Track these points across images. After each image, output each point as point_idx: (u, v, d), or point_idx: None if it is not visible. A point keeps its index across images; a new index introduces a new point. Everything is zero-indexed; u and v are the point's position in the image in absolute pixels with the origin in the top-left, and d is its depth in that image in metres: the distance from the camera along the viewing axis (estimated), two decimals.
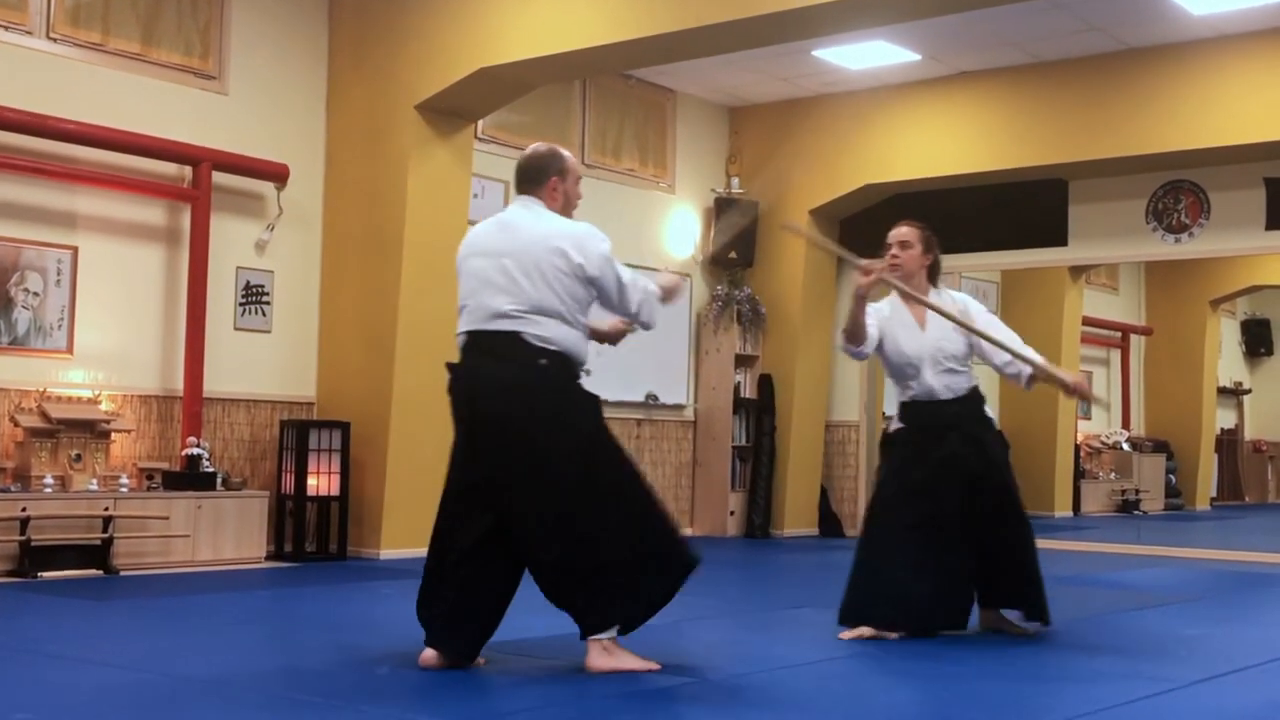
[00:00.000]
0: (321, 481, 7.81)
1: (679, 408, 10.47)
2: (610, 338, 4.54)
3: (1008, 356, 5.06)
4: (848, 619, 4.99)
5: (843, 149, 10.27)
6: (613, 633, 4.12)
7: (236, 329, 7.95)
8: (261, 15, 8.09)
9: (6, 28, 7.04)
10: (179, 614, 5.59)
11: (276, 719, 3.55)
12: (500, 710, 3.68)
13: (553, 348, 4.11)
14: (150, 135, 7.45)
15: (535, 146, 4.41)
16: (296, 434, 7.84)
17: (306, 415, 8.20)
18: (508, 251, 4.16)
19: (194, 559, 7.22)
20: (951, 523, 4.94)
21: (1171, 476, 15.27)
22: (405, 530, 7.95)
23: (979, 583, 5.08)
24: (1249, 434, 17.42)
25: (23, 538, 6.52)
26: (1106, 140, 9.14)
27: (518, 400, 4.07)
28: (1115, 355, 15.57)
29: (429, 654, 4.19)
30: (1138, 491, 14.53)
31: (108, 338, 7.39)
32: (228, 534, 7.38)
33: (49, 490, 6.78)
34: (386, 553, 7.90)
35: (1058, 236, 9.96)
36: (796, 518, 10.60)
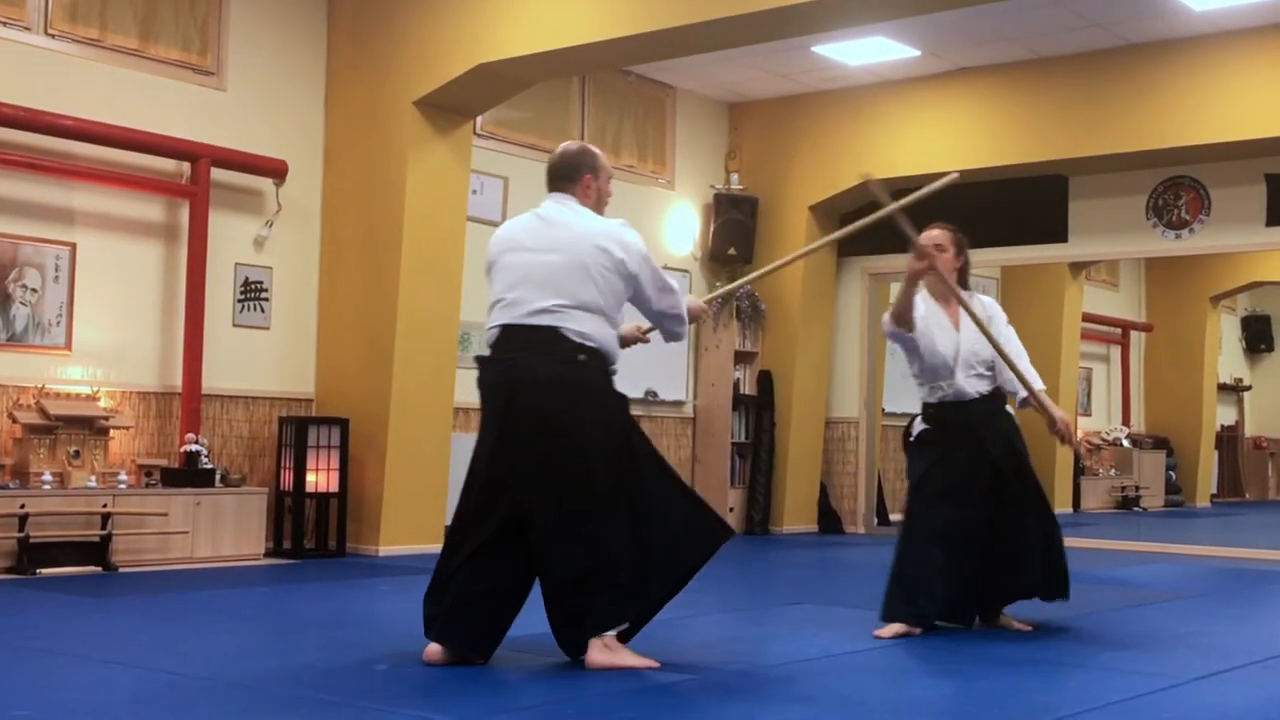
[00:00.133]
0: (320, 478, 7.81)
1: (678, 404, 10.47)
2: (623, 342, 4.54)
3: (1011, 374, 5.11)
4: (885, 616, 5.04)
5: (842, 145, 10.26)
6: (614, 630, 4.12)
7: (235, 325, 7.94)
8: (260, 11, 8.08)
9: (4, 24, 7.03)
10: (178, 611, 5.58)
11: (276, 716, 3.54)
12: (500, 707, 3.67)
13: (591, 344, 4.15)
14: (148, 131, 7.44)
15: (567, 144, 4.49)
16: (295, 430, 7.83)
17: (305, 412, 8.19)
18: (549, 247, 4.20)
19: (193, 556, 7.21)
20: (977, 525, 5.03)
21: (1172, 473, 15.27)
22: (404, 527, 7.96)
23: (994, 581, 5.12)
24: (1249, 430, 17.42)
25: (21, 535, 6.51)
26: (1107, 136, 9.13)
27: (559, 395, 4.10)
28: (1115, 352, 15.57)
29: (434, 649, 4.18)
30: (1138, 488, 14.54)
31: (106, 334, 7.38)
32: (226, 531, 7.37)
33: (48, 487, 6.77)
34: (385, 549, 7.90)
35: (1058, 233, 9.95)
36: (796, 514, 10.60)
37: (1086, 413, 14.66)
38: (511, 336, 4.19)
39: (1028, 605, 5.29)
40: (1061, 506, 13.41)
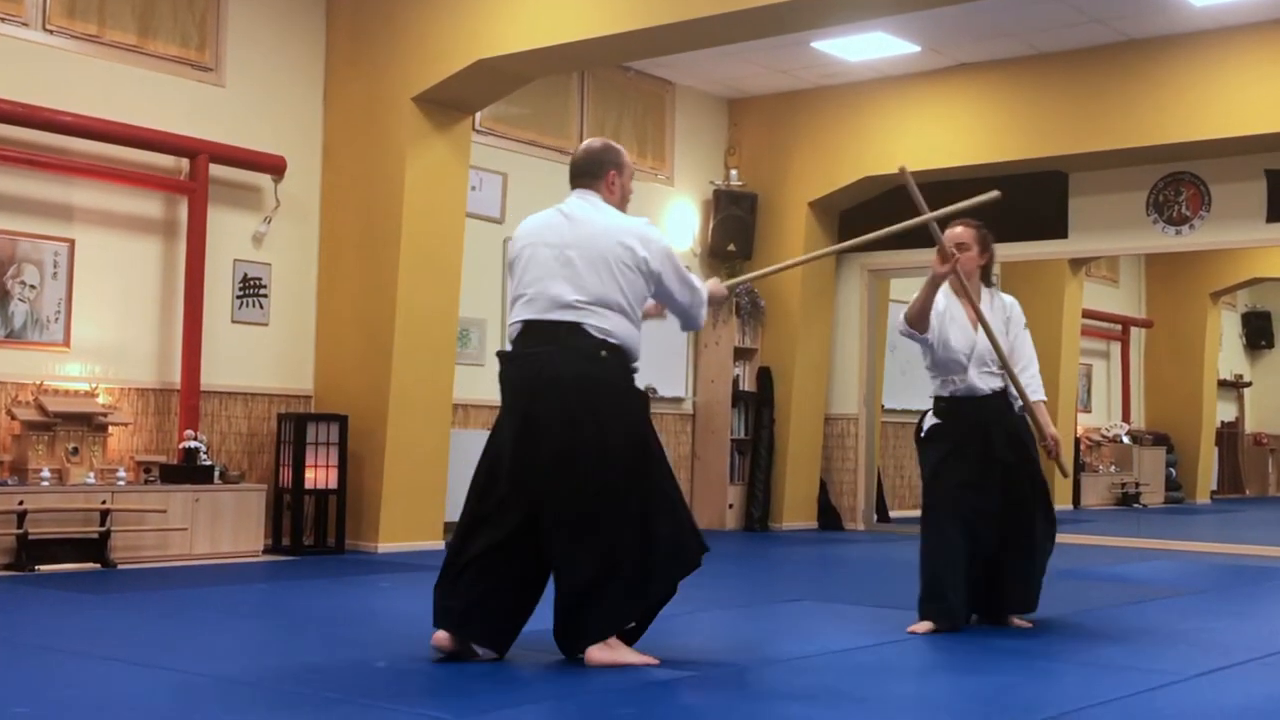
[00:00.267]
0: (319, 475, 7.80)
1: (678, 401, 10.46)
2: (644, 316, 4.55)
3: (1016, 377, 5.12)
4: (920, 613, 5.05)
5: (842, 141, 10.26)
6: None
7: (234, 322, 7.93)
8: (258, 7, 8.07)
9: (2, 19, 7.02)
10: (176, 607, 5.58)
11: (275, 712, 3.53)
12: (500, 703, 3.66)
13: (612, 340, 4.15)
14: (147, 127, 7.43)
15: (590, 142, 4.49)
16: (294, 427, 7.82)
17: (304, 408, 8.19)
18: (573, 242, 4.20)
19: (191, 552, 7.20)
20: (986, 522, 5.04)
21: (1172, 469, 15.26)
22: (403, 523, 7.95)
23: (996, 582, 5.12)
24: (1249, 427, 17.41)
25: (20, 531, 6.51)
26: (1107, 132, 9.12)
27: (582, 395, 4.10)
28: (1115, 348, 15.56)
29: (441, 635, 4.17)
30: (1138, 485, 14.53)
31: (105, 331, 7.37)
32: (225, 527, 7.37)
33: (46, 484, 6.76)
34: (384, 546, 7.89)
35: (1058, 229, 9.95)
36: (795, 511, 10.59)
37: (1086, 409, 14.65)
38: (533, 331, 4.19)
39: None
40: (1061, 503, 13.36)
